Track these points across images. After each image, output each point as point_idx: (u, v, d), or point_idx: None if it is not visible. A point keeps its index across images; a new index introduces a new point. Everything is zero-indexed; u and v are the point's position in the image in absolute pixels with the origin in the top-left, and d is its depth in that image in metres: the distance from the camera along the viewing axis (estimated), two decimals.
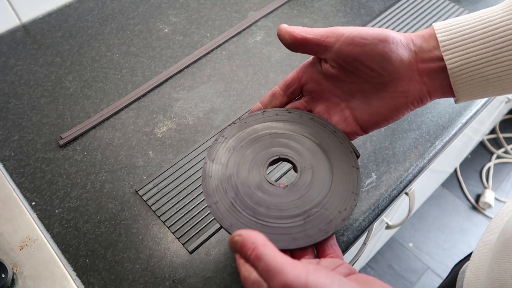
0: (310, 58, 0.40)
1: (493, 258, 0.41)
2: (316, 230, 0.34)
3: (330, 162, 0.37)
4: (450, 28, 0.34)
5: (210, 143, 0.56)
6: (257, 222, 0.34)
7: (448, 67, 0.34)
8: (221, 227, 0.48)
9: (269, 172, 0.53)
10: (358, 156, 0.38)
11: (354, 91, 0.39)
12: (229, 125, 0.40)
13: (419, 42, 0.35)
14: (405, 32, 0.68)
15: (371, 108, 0.38)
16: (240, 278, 0.30)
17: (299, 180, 0.36)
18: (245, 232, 0.29)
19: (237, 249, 0.28)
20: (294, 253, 0.34)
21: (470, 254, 0.50)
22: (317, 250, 0.35)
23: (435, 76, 0.35)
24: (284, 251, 0.33)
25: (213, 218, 0.49)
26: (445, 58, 0.34)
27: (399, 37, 0.35)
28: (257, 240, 0.28)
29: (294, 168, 0.38)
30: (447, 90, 0.36)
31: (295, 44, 0.37)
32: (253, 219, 0.34)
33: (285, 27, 0.37)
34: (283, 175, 0.53)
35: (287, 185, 0.36)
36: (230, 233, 0.33)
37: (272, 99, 0.41)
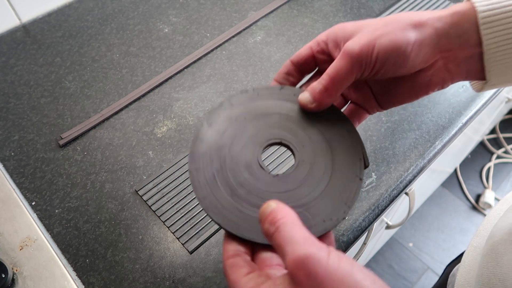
0: (323, 37, 0.36)
1: (482, 262, 0.41)
2: None
3: (333, 163, 0.33)
4: (491, 0, 0.31)
5: None
6: (232, 203, 0.31)
7: (484, 42, 0.31)
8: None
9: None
10: (366, 166, 0.34)
11: (374, 79, 0.37)
12: (240, 92, 0.36)
13: (446, 29, 0.32)
14: None
15: (389, 93, 0.36)
16: (230, 279, 0.28)
17: (292, 172, 0.33)
18: (281, 203, 0.28)
19: (267, 212, 0.27)
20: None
21: (461, 255, 0.50)
22: None
23: (462, 63, 0.33)
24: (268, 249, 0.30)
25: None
26: (483, 32, 0.31)
27: (419, 37, 0.32)
28: (290, 213, 0.27)
29: (294, 158, 0.35)
30: (473, 74, 0.33)
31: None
32: (229, 199, 0.31)
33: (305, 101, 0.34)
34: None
35: (278, 174, 0.33)
36: (200, 204, 0.31)
37: (287, 76, 0.37)
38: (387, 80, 0.36)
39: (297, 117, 0.35)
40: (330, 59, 0.35)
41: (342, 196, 0.32)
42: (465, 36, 0.31)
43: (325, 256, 0.24)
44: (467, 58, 0.32)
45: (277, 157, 0.54)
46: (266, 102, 0.36)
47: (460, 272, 0.46)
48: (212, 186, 0.32)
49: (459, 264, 0.47)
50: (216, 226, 0.48)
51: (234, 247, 0.30)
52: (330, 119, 0.35)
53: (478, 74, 0.33)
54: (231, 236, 0.30)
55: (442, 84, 0.34)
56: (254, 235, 0.30)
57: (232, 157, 0.33)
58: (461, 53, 0.32)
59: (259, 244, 0.30)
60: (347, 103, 0.39)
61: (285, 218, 0.27)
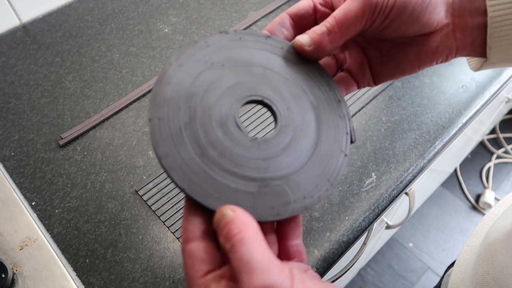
0: None
1: (477, 261, 0.41)
2: (267, 207, 0.26)
3: (318, 134, 0.29)
4: None
5: None
6: (200, 165, 0.26)
7: (489, 14, 0.30)
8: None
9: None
10: (352, 142, 0.31)
11: (376, 41, 0.34)
12: (220, 32, 0.30)
13: None
14: None
15: (390, 61, 0.34)
16: (186, 273, 0.24)
17: (273, 138, 0.28)
18: (240, 210, 0.24)
19: (221, 223, 0.23)
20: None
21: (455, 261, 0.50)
22: (279, 244, 0.28)
23: (469, 33, 0.31)
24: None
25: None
26: (488, 3, 0.30)
27: None
28: (249, 225, 0.23)
29: (275, 122, 0.30)
30: (477, 48, 0.32)
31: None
32: (197, 160, 0.26)
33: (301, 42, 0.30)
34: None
35: (256, 138, 0.28)
36: (161, 164, 0.25)
37: (281, 28, 0.32)
38: (391, 45, 0.33)
39: (283, 74, 0.30)
40: None
41: (325, 172, 0.28)
42: (475, 2, 0.30)
43: (288, 286, 0.21)
44: (474, 28, 0.31)
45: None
46: (249, 51, 0.30)
47: (455, 272, 0.46)
48: (178, 142, 0.26)
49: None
50: None
51: (197, 225, 0.25)
52: (319, 84, 0.31)
53: (481, 48, 0.32)
54: (195, 208, 0.25)
55: (447, 55, 0.32)
56: (221, 205, 0.25)
57: (205, 109, 0.27)
58: (470, 20, 0.31)
59: None
60: (339, 68, 0.36)
61: (242, 233, 0.22)
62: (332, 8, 0.32)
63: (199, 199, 0.25)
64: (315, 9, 0.32)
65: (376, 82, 0.35)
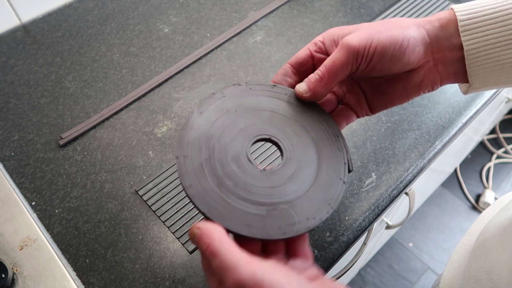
0: (320, 38, 0.38)
1: (471, 257, 0.41)
2: (275, 227, 0.31)
3: (319, 165, 0.34)
4: (471, 9, 0.33)
5: None
6: (219, 194, 0.31)
7: (465, 48, 0.33)
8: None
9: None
10: (350, 171, 0.35)
11: (367, 78, 0.38)
12: (234, 85, 0.37)
13: (435, 31, 0.34)
14: None
15: (381, 95, 0.38)
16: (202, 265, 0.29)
17: (280, 169, 0.33)
18: (204, 225, 0.27)
19: (195, 242, 0.28)
20: (268, 248, 0.32)
21: None
22: (288, 248, 0.33)
23: (450, 65, 0.35)
24: (253, 242, 0.31)
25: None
26: (463, 39, 0.33)
27: (414, 35, 0.33)
28: (213, 235, 0.27)
29: (281, 155, 0.35)
30: (460, 77, 0.35)
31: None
32: (215, 189, 0.31)
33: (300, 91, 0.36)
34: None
35: (265, 169, 0.33)
36: (186, 193, 0.31)
37: (284, 77, 0.38)
38: (380, 81, 0.37)
39: (287, 116, 0.36)
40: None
41: (326, 197, 0.33)
42: (452, 39, 0.34)
43: (259, 277, 0.24)
44: (455, 61, 0.34)
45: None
46: (258, 98, 0.36)
47: (448, 268, 0.46)
48: (199, 175, 0.31)
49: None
50: None
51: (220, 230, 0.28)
52: (319, 122, 0.36)
53: (464, 76, 0.35)
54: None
55: (432, 86, 0.36)
56: (238, 227, 0.30)
57: (221, 148, 0.33)
58: (449, 55, 0.34)
59: (244, 237, 0.30)
60: (339, 103, 0.40)
61: (210, 246, 0.26)
62: (326, 53, 0.37)
63: (217, 221, 0.30)
64: (311, 56, 0.37)
65: (373, 112, 0.40)
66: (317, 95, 0.35)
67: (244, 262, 0.25)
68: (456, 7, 0.34)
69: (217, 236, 0.27)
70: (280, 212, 0.31)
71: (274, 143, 0.35)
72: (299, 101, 0.37)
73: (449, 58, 0.34)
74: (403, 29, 0.33)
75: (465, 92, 0.37)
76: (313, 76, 0.35)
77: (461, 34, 0.33)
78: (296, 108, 0.36)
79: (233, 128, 0.34)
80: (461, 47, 0.34)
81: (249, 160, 0.33)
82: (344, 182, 0.34)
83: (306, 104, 0.37)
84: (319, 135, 0.36)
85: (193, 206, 0.50)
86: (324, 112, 0.37)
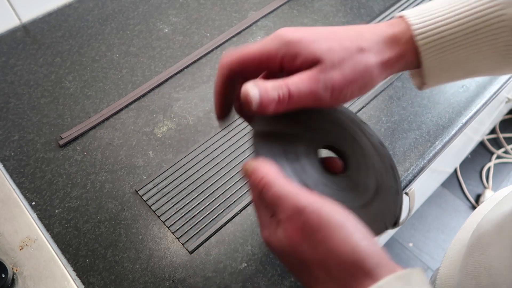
0: (273, 51, 0.32)
1: (467, 252, 0.41)
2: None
3: (374, 196, 0.33)
4: (422, 14, 0.32)
5: (210, 143, 0.56)
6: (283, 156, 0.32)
7: (421, 53, 0.32)
8: (223, 223, 0.47)
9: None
10: (395, 224, 0.34)
11: None
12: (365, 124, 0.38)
13: (387, 50, 0.32)
14: None
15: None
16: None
17: (343, 179, 0.34)
18: (258, 161, 0.28)
19: (248, 176, 0.28)
20: None
21: None
22: None
23: (400, 68, 0.34)
24: None
25: (212, 218, 0.49)
26: (422, 57, 0.32)
27: (376, 64, 0.31)
28: (268, 168, 0.28)
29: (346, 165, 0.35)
30: (411, 67, 0.34)
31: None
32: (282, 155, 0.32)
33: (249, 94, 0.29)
34: None
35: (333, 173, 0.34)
36: (253, 134, 0.31)
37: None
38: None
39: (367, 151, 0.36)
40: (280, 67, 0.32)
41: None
42: (406, 59, 0.33)
43: (319, 205, 0.25)
44: (409, 61, 0.33)
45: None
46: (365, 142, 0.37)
47: (443, 264, 0.46)
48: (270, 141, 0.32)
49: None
50: (216, 226, 0.48)
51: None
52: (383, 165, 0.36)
53: (415, 67, 0.34)
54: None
55: (384, 79, 0.35)
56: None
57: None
58: (397, 64, 0.33)
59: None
60: None
61: (265, 177, 0.27)
62: (281, 65, 0.32)
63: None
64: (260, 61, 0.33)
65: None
66: (264, 112, 0.30)
67: (304, 192, 0.26)
68: (407, 14, 0.33)
69: (272, 169, 0.28)
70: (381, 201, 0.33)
71: (341, 155, 0.35)
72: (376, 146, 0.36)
73: (399, 66, 0.33)
74: (372, 68, 0.31)
75: (420, 89, 0.36)
76: (271, 93, 0.29)
77: (421, 54, 0.32)
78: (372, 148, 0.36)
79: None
80: (415, 64, 0.33)
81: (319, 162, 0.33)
82: (386, 228, 0.32)
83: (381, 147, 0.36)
84: (383, 178, 0.35)
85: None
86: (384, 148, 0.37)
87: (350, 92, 0.31)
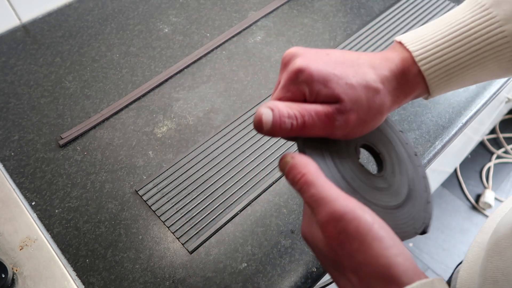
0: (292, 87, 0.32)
1: (486, 256, 0.41)
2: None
3: (404, 201, 0.34)
4: (421, 40, 0.33)
5: (210, 143, 0.56)
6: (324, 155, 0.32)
7: (426, 77, 0.33)
8: (220, 226, 0.47)
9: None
10: (424, 233, 0.34)
11: None
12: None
13: (399, 89, 0.33)
14: (403, 32, 0.68)
15: None
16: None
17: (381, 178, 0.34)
18: (299, 156, 0.28)
19: (285, 171, 0.28)
20: None
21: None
22: None
23: (409, 91, 0.34)
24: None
25: (214, 217, 0.49)
26: (422, 68, 0.32)
27: (386, 94, 0.32)
28: (309, 166, 0.28)
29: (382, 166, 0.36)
30: (421, 93, 0.35)
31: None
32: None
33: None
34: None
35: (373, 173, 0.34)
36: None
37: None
38: None
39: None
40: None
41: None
42: (415, 93, 0.34)
43: (360, 213, 0.25)
44: (412, 95, 0.34)
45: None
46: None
47: (463, 268, 0.46)
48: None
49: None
50: (216, 226, 0.48)
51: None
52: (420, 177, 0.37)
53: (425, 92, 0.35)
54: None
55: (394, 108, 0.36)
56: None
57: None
58: (411, 86, 0.34)
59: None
60: None
61: (305, 176, 0.27)
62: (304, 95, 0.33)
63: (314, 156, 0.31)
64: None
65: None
66: (274, 135, 0.30)
67: (343, 197, 0.26)
68: (404, 40, 0.33)
69: (312, 168, 0.28)
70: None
71: (379, 158, 0.36)
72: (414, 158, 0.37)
73: (408, 96, 0.34)
74: (381, 96, 0.32)
75: (426, 98, 0.37)
76: (285, 120, 0.29)
77: (427, 79, 0.32)
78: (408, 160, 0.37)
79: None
80: (422, 87, 0.33)
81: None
82: (415, 233, 0.33)
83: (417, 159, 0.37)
84: (415, 185, 0.36)
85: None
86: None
87: (360, 131, 0.32)
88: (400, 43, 0.33)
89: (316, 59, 0.31)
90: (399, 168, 0.36)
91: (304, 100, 0.31)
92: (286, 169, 0.29)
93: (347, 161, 0.32)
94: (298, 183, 0.28)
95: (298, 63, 0.30)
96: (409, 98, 0.34)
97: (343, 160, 0.32)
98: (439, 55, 0.32)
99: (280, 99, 0.31)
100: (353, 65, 0.31)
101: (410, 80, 0.32)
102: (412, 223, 0.33)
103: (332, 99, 0.30)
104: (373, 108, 0.31)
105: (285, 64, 0.32)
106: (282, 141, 0.56)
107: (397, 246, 0.26)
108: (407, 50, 0.32)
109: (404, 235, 0.31)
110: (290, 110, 0.29)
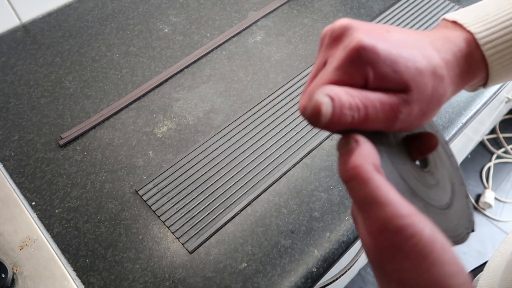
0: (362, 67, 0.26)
1: (506, 267, 0.40)
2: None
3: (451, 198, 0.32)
4: (483, 21, 0.28)
5: (210, 143, 0.56)
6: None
7: (490, 65, 0.29)
8: (221, 226, 0.47)
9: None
10: (473, 229, 0.32)
11: None
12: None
13: (462, 76, 0.28)
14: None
15: None
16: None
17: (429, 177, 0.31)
18: (365, 141, 0.23)
19: (342, 152, 0.23)
20: None
21: (483, 265, 0.50)
22: None
23: (469, 79, 0.30)
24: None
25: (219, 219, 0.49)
26: (488, 59, 0.28)
27: (447, 93, 0.27)
28: (370, 158, 0.23)
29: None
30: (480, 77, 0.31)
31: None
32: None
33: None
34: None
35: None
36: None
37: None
38: None
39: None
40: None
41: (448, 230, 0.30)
42: (473, 74, 0.29)
43: (419, 230, 0.21)
44: (472, 76, 0.30)
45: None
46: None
47: (484, 277, 0.45)
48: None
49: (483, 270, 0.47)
50: (216, 226, 0.48)
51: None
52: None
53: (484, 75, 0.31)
54: None
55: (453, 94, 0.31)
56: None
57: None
58: (467, 76, 0.30)
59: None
60: None
61: (364, 166, 0.22)
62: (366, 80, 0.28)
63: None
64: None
65: None
66: (330, 131, 0.25)
67: (403, 205, 0.22)
68: (462, 20, 0.29)
69: (374, 158, 0.23)
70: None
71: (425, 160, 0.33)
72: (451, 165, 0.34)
73: (471, 77, 0.30)
74: (444, 86, 0.27)
75: (473, 90, 0.33)
76: (346, 112, 0.23)
77: (485, 53, 0.28)
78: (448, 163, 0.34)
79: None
80: (482, 68, 0.29)
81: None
82: (467, 233, 0.30)
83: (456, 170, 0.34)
84: (453, 179, 0.33)
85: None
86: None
87: (417, 124, 0.27)
88: (455, 22, 0.28)
89: (378, 36, 0.25)
90: (440, 161, 0.32)
91: (363, 86, 0.25)
92: (343, 150, 0.23)
93: (401, 157, 0.28)
94: (347, 172, 0.23)
95: (359, 38, 0.24)
96: (466, 87, 0.29)
97: (397, 155, 0.27)
98: (505, 39, 0.27)
99: (335, 82, 0.24)
100: (418, 46, 0.26)
101: (473, 67, 0.28)
102: (463, 222, 0.30)
103: (399, 87, 0.24)
104: (435, 99, 0.26)
105: (336, 38, 0.26)
106: (283, 140, 0.56)
107: (460, 274, 0.22)
108: (468, 31, 0.27)
109: (459, 238, 0.28)
110: (352, 99, 0.23)
